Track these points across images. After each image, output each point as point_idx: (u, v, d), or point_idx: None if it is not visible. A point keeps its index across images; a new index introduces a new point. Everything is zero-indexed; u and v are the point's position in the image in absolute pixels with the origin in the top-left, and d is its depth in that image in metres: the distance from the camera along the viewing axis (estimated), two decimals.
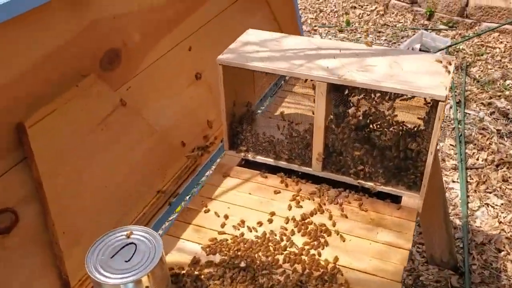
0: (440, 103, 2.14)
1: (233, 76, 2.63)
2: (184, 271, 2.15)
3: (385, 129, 2.40)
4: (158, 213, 2.50)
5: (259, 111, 3.30)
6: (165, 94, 2.67)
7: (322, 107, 2.40)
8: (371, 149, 2.45)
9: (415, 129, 2.43)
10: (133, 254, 1.82)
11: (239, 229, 2.36)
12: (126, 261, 1.79)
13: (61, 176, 2.03)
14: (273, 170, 2.74)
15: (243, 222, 2.38)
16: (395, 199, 2.51)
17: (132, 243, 1.86)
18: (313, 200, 2.52)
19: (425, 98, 2.31)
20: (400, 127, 2.39)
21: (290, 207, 2.48)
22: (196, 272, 2.14)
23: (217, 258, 2.21)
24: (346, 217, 2.40)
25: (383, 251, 2.21)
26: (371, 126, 2.47)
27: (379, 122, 2.43)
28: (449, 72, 2.32)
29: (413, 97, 2.32)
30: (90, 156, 2.17)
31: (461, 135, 5.21)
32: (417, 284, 3.73)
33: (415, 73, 2.31)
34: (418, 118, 2.47)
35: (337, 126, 2.47)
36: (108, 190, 2.25)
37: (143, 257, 1.80)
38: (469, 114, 5.60)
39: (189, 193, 2.76)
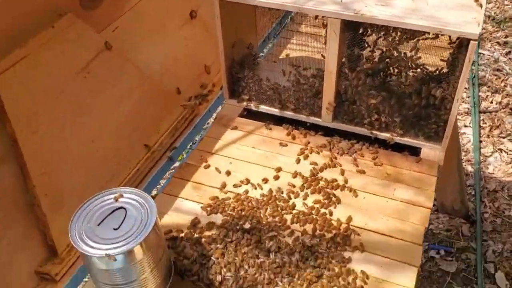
0: (471, 42, 1.85)
1: (232, 14, 2.32)
2: (182, 234, 1.95)
3: (405, 74, 2.11)
4: (152, 170, 2.28)
5: (261, 54, 3.00)
6: (156, 35, 2.37)
7: (334, 48, 2.11)
8: (388, 96, 2.18)
9: (438, 72, 2.15)
10: (123, 220, 1.60)
11: (242, 187, 2.14)
12: (115, 229, 1.58)
13: (39, 132, 1.78)
14: (279, 121, 2.48)
15: (247, 179, 2.16)
16: (414, 152, 2.27)
17: (121, 207, 1.64)
18: (323, 153, 2.28)
19: (450, 37, 2.02)
20: (423, 71, 2.11)
21: (298, 162, 2.25)
22: (196, 235, 1.94)
23: (218, 218, 2.00)
24: (360, 172, 2.18)
25: (401, 210, 2.00)
26: (389, 70, 2.19)
27: (398, 66, 2.14)
28: (481, 5, 2.00)
29: (438, 35, 2.02)
30: (72, 108, 1.91)
31: (474, 76, 4.90)
32: (426, 233, 3.58)
33: (442, 7, 1.99)
34: (441, 60, 2.18)
35: (350, 70, 2.19)
36: (95, 146, 2.01)
37: (135, 223, 1.59)
38: (483, 54, 5.26)
39: (186, 148, 2.52)
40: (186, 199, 2.11)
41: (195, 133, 2.51)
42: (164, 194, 2.14)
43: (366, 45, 2.17)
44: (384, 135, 2.30)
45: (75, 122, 1.92)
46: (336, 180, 2.14)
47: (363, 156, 2.26)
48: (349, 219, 1.97)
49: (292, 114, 2.45)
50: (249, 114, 2.56)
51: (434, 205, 3.71)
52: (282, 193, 2.09)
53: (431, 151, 2.24)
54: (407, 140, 2.27)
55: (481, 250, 3.32)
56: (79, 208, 1.64)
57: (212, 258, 1.84)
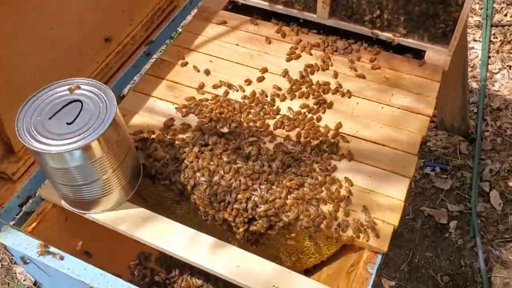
0: None
1: None
2: (154, 136, 1.76)
3: None
4: (124, 65, 2.04)
5: None
6: None
7: None
8: None
9: None
10: (78, 114, 1.40)
11: (222, 88, 1.92)
12: (68, 124, 1.38)
13: None
14: (267, 17, 2.20)
15: (227, 80, 1.94)
16: (417, 55, 2.03)
17: (77, 100, 1.43)
18: (316, 54, 2.04)
19: None
20: None
21: (288, 61, 2.01)
22: (168, 137, 1.75)
23: (194, 121, 1.81)
24: (356, 76, 1.94)
25: (397, 117, 1.80)
26: None
27: None
28: None
29: None
30: None
31: None
32: (423, 150, 3.43)
33: None
34: None
35: None
36: (55, 35, 1.75)
37: (91, 118, 1.39)
38: None
39: (164, 43, 2.26)
40: (160, 98, 1.90)
41: (173, 27, 2.24)
42: (136, 92, 1.93)
43: None
44: (386, 35, 2.04)
45: (31, 8, 1.65)
46: (328, 84, 1.91)
47: (360, 58, 2.01)
48: (339, 125, 1.77)
49: (283, 9, 2.17)
50: (234, 8, 2.28)
51: (433, 121, 3.54)
52: (266, 96, 1.88)
53: (436, 55, 2.00)
54: (411, 42, 2.01)
55: (478, 169, 3.18)
56: (28, 100, 1.43)
57: (186, 161, 1.67)
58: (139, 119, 1.83)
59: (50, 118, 1.39)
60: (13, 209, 1.64)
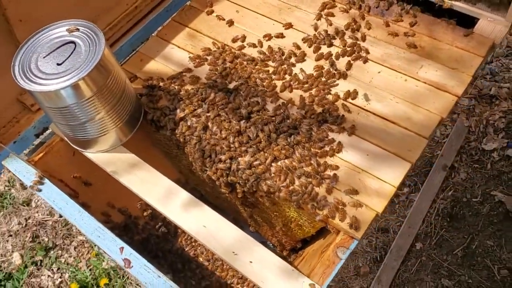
0: None
1: None
2: (162, 84, 1.76)
3: None
4: (157, 8, 2.02)
5: None
6: None
7: None
8: None
9: None
10: (69, 55, 1.43)
11: (240, 42, 1.83)
12: (58, 64, 1.42)
13: None
14: None
15: (249, 32, 1.84)
16: (471, 24, 1.75)
17: (71, 42, 1.46)
18: (350, 12, 1.84)
19: None
20: None
21: (317, 19, 1.85)
22: (175, 87, 1.74)
23: (205, 73, 1.77)
24: (386, 41, 1.74)
25: (420, 93, 1.59)
26: None
27: None
28: None
29: None
30: None
31: None
32: (509, 129, 3.02)
33: None
34: None
35: None
36: None
37: (79, 59, 1.41)
38: None
39: None
40: (178, 46, 1.87)
41: None
42: (157, 37, 1.92)
43: None
44: None
45: None
46: (353, 46, 1.74)
47: (399, 21, 1.79)
48: (350, 94, 1.62)
49: None
50: None
51: None
52: (283, 54, 1.77)
53: (491, 25, 1.70)
54: (463, 7, 1.73)
55: None
56: (29, 38, 1.49)
57: (183, 113, 1.65)
58: (154, 65, 1.83)
59: (44, 58, 1.44)
60: (30, 138, 1.77)
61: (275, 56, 1.76)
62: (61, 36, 1.48)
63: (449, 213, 2.74)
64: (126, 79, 1.59)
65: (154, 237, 2.08)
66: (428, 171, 2.96)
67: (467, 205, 2.82)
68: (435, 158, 3.05)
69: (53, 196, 1.54)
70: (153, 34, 1.96)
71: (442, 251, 2.63)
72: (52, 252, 2.59)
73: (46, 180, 1.59)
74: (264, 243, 1.66)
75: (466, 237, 2.66)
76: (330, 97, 1.62)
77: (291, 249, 1.98)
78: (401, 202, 2.91)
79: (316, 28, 1.82)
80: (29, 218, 2.74)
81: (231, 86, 1.70)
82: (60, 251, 2.61)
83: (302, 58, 1.74)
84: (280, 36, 1.81)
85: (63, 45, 1.46)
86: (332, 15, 1.84)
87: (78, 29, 1.49)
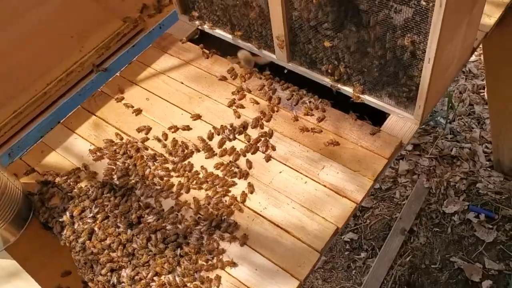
0: None
1: None
2: (57, 179, 1.67)
3: (365, 11, 1.46)
4: (68, 94, 1.96)
5: None
6: None
7: None
8: (347, 40, 1.57)
9: (411, 16, 1.45)
10: None
11: (144, 132, 1.76)
12: None
13: None
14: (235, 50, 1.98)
15: (156, 122, 1.77)
16: (383, 117, 1.69)
17: None
18: (261, 104, 1.78)
19: None
20: (388, 10, 1.43)
21: (227, 108, 1.78)
22: (70, 183, 1.65)
23: (103, 168, 1.68)
24: (291, 137, 1.67)
25: (317, 198, 1.51)
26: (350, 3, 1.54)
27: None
28: None
29: None
30: None
31: None
32: (470, 191, 2.95)
33: None
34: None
35: None
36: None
37: None
38: None
39: (120, 70, 2.14)
40: (82, 137, 1.80)
41: (134, 53, 2.10)
42: (62, 126, 1.85)
43: None
44: (348, 90, 1.72)
45: None
46: (258, 141, 1.67)
47: (309, 113, 1.72)
48: (246, 196, 1.53)
49: (241, 43, 1.93)
50: (203, 37, 2.08)
51: (489, 160, 3.02)
52: (185, 148, 1.69)
53: (400, 122, 1.65)
54: (374, 102, 1.68)
55: None
56: None
57: (71, 216, 1.55)
58: (54, 157, 1.75)
59: None
60: None
61: (178, 150, 1.68)
62: None
63: (406, 280, 2.64)
64: (9, 180, 1.50)
65: None
66: (387, 234, 2.87)
67: (426, 272, 2.73)
68: (393, 221, 2.96)
69: None
70: (60, 122, 1.88)
71: None
72: None
73: None
74: None
75: None
76: (227, 199, 1.54)
77: None
78: (358, 267, 2.80)
79: (224, 120, 1.75)
80: None
81: (127, 184, 1.62)
82: None
83: (204, 153, 1.67)
84: (186, 128, 1.74)
85: None
86: (242, 106, 1.78)
87: None
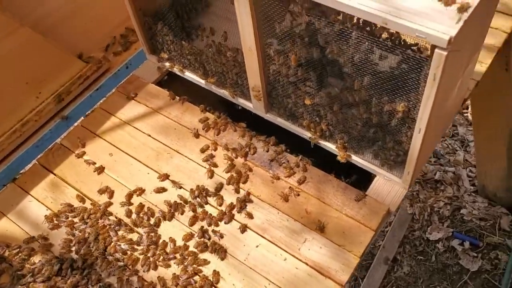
0: (437, 51, 1.02)
1: None
2: (7, 253, 1.49)
3: (349, 73, 1.32)
4: (23, 146, 1.77)
5: None
6: None
7: (246, 16, 1.35)
8: (329, 99, 1.42)
9: (400, 80, 1.30)
10: None
11: (106, 195, 1.58)
12: None
13: None
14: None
15: (119, 183, 1.60)
16: (368, 177, 1.55)
17: None
18: (236, 162, 1.62)
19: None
20: (375, 73, 1.29)
21: (199, 165, 1.62)
22: (22, 256, 1.47)
23: (60, 238, 1.50)
24: (269, 203, 1.51)
25: (298, 279, 1.35)
26: (330, 63, 1.39)
27: (340, 59, 1.34)
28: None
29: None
30: None
31: None
32: (455, 217, 2.84)
33: None
34: (406, 58, 1.30)
35: (276, 53, 1.43)
36: None
37: None
38: None
39: (85, 114, 1.96)
40: (37, 199, 1.61)
41: (100, 96, 1.92)
42: (15, 185, 1.66)
43: (294, 19, 1.36)
44: (330, 146, 1.58)
45: None
46: (233, 207, 1.51)
47: (289, 172, 1.57)
48: (218, 277, 1.37)
49: (215, 89, 1.77)
50: (174, 77, 1.91)
51: (473, 184, 2.92)
52: (151, 216, 1.52)
53: (387, 185, 1.51)
54: (357, 161, 1.54)
55: None
56: None
57: None
58: (4, 224, 1.57)
59: None
60: None
61: (143, 218, 1.51)
62: None
63: None
64: None
65: None
66: (369, 263, 2.75)
67: None
68: (376, 249, 2.85)
69: None
70: (13, 180, 1.69)
71: None
72: None
73: None
74: None
75: None
76: (197, 279, 1.38)
77: None
78: None
79: (195, 181, 1.58)
80: None
81: (86, 260, 1.44)
82: None
83: (172, 222, 1.50)
84: (154, 191, 1.57)
85: None
86: (215, 165, 1.61)
87: None
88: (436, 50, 1.01)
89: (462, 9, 1.00)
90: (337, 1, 1.09)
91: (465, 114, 3.37)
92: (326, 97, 1.41)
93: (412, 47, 1.15)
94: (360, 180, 1.59)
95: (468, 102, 3.18)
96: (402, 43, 1.18)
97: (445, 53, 1.01)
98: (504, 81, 2.11)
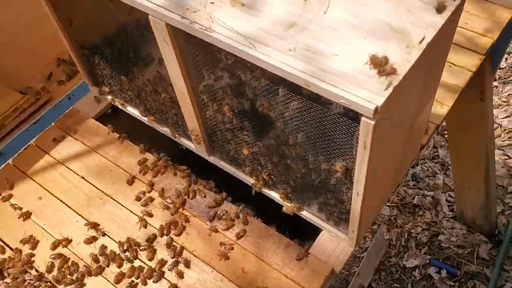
0: (364, 120, 0.90)
1: None
2: None
3: (282, 128, 1.19)
4: None
5: None
6: None
7: (174, 64, 1.23)
8: (267, 150, 1.30)
9: (334, 141, 1.16)
10: None
11: (28, 246, 1.45)
12: None
13: None
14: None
15: (46, 231, 1.47)
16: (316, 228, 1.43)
17: None
18: (169, 211, 1.50)
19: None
20: (308, 131, 1.16)
21: (132, 212, 1.50)
22: None
23: None
24: (203, 260, 1.39)
25: None
26: (262, 114, 1.26)
27: (271, 114, 1.21)
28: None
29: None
30: None
31: None
32: (432, 244, 2.73)
33: (346, 28, 1.00)
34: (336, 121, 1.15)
35: (210, 100, 1.31)
36: None
37: None
38: None
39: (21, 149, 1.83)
40: None
41: (38, 129, 1.79)
42: None
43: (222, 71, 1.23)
44: (273, 195, 1.46)
45: None
46: (164, 264, 1.38)
47: (229, 225, 1.45)
48: None
49: (157, 127, 1.65)
50: (118, 111, 1.79)
51: (452, 210, 2.83)
52: (75, 271, 1.39)
53: (333, 241, 1.39)
54: (302, 214, 1.42)
55: (497, 282, 2.45)
56: None
57: None
58: None
59: None
60: None
61: (66, 274, 1.38)
62: None
63: None
64: None
65: None
66: None
67: None
68: (351, 276, 2.75)
69: None
70: None
71: None
72: None
73: None
74: None
75: None
76: None
77: None
78: None
79: (126, 232, 1.46)
80: None
81: None
82: None
83: (97, 277, 1.38)
84: (82, 241, 1.45)
85: None
86: (150, 214, 1.49)
87: None
88: (363, 118, 0.89)
89: (390, 73, 0.88)
90: (257, 58, 0.96)
91: (446, 136, 3.28)
92: (264, 148, 1.29)
93: (345, 107, 1.04)
94: (307, 231, 1.47)
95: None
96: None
97: (372, 122, 0.89)
98: (479, 111, 2.04)
